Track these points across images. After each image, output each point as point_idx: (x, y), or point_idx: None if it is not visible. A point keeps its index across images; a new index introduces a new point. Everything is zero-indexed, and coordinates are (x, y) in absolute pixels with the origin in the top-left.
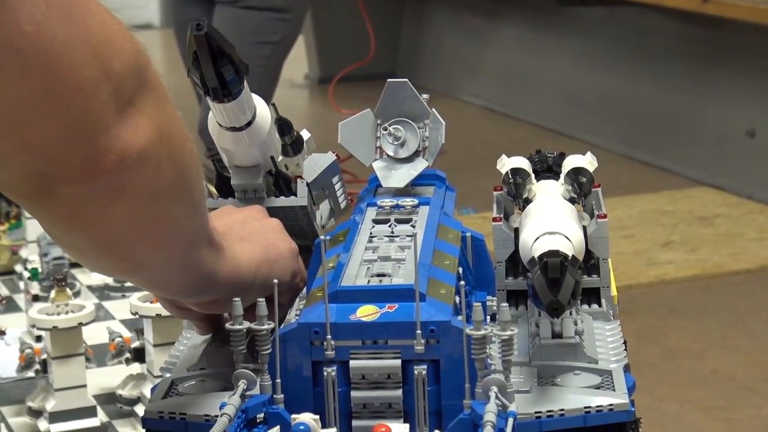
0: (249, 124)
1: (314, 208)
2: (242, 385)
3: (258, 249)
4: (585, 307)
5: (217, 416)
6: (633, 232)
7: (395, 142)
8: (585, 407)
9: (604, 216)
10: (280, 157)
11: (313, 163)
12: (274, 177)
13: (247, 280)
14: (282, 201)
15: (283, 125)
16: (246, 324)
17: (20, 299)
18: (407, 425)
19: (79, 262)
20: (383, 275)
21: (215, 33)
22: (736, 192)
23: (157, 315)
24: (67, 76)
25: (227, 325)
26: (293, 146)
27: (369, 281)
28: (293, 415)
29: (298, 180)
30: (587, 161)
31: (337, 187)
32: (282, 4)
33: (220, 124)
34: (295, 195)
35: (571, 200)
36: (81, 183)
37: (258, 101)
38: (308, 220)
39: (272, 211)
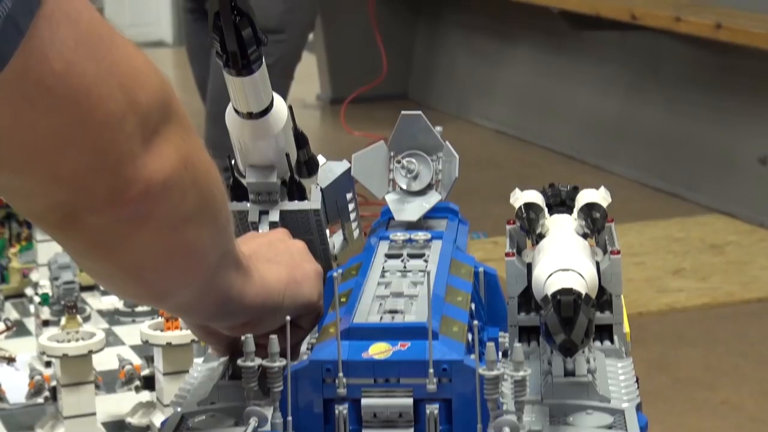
0: (266, 111)
1: (327, 229)
2: (253, 422)
3: (285, 270)
4: (597, 344)
5: None
6: (644, 259)
7: (408, 175)
8: None
9: (618, 252)
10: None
11: (328, 170)
12: (288, 185)
13: (276, 300)
14: (295, 204)
15: (299, 137)
16: (258, 361)
17: (30, 323)
18: None
19: (107, 289)
20: (396, 312)
21: None
22: (747, 220)
23: (167, 344)
24: (94, 110)
25: (239, 362)
26: (307, 165)
27: (381, 318)
28: None
29: (312, 185)
30: (601, 196)
31: (350, 207)
32: (275, 24)
33: (237, 111)
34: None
35: (584, 235)
36: (107, 212)
37: (275, 95)
38: (321, 231)
39: (284, 217)
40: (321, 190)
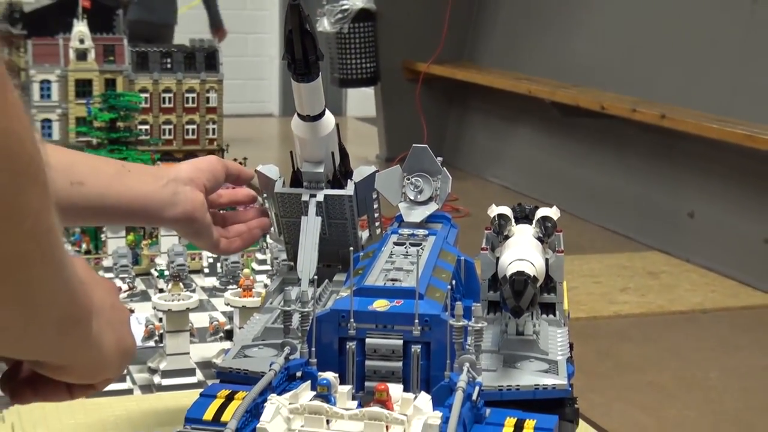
0: (319, 116)
1: (358, 222)
2: (287, 350)
3: (114, 340)
4: (544, 316)
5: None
6: (600, 279)
7: (415, 190)
8: (535, 385)
9: (562, 251)
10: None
11: (360, 171)
12: (332, 180)
13: (101, 363)
14: (336, 191)
15: (342, 150)
16: (294, 307)
17: (152, 292)
18: (401, 386)
19: None
20: (396, 280)
21: (306, 15)
22: (678, 256)
23: (243, 306)
24: None
25: (280, 307)
26: (346, 175)
27: (385, 283)
28: (320, 373)
29: (349, 180)
30: (553, 212)
31: (375, 206)
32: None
33: (299, 114)
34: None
35: (540, 239)
36: None
37: (327, 111)
38: (352, 216)
39: (327, 200)
40: (354, 183)
